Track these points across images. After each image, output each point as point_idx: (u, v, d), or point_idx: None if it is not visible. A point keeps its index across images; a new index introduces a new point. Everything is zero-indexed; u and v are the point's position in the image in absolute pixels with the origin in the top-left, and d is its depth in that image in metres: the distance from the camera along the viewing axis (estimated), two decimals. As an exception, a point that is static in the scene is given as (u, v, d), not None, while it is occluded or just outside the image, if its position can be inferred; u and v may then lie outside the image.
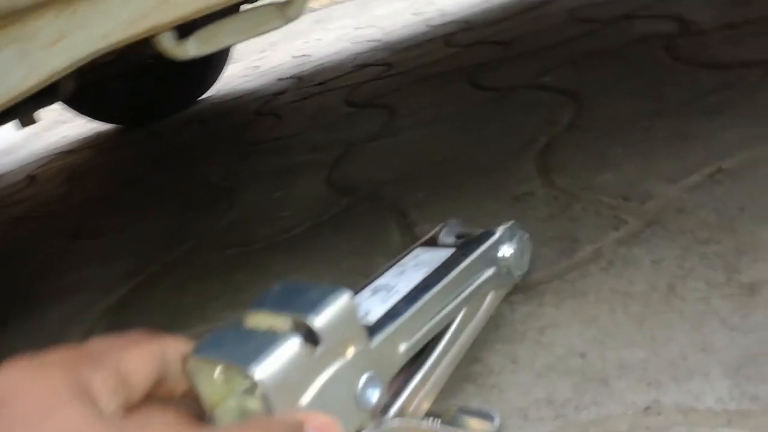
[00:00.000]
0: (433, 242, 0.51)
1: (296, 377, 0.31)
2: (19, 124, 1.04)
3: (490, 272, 0.47)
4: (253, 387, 0.30)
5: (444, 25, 1.92)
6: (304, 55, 2.44)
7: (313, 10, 5.09)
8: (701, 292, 0.45)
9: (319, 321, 0.33)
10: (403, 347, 0.40)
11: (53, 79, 0.39)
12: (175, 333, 0.52)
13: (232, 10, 0.45)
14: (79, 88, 1.14)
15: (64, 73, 0.39)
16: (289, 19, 0.45)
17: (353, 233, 0.75)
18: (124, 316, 0.74)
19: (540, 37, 1.35)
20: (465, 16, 1.96)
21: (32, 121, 1.03)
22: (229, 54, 2.16)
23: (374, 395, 0.35)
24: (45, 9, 0.36)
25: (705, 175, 0.60)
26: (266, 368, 0.29)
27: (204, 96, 2.24)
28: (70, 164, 1.84)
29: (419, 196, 0.79)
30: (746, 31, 0.93)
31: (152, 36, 0.42)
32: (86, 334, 0.72)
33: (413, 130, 1.06)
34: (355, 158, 1.02)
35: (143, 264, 0.86)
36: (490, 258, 0.47)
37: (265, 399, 0.29)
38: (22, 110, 0.82)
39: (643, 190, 0.61)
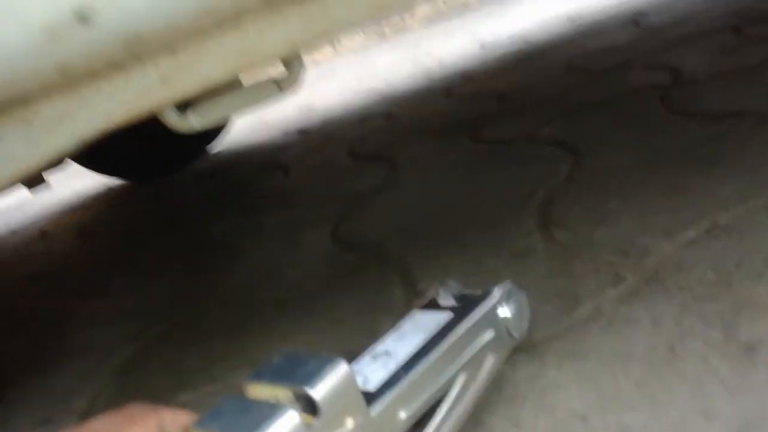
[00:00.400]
0: (431, 304, 0.51)
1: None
2: (27, 187, 1.06)
3: (489, 335, 0.47)
4: None
5: (444, 77, 1.96)
6: (309, 109, 2.48)
7: (317, 63, 5.21)
8: (700, 352, 0.45)
9: (318, 392, 0.33)
10: (403, 414, 0.40)
11: (59, 158, 0.41)
12: (183, 393, 0.52)
13: (232, 84, 0.47)
14: (88, 145, 1.16)
15: (68, 153, 0.41)
16: (286, 91, 0.47)
17: (358, 291, 0.76)
18: (131, 378, 0.74)
19: (537, 88, 1.38)
20: (464, 67, 2.00)
21: (41, 182, 1.05)
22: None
23: None
24: (51, 93, 0.37)
25: (702, 231, 0.60)
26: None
27: (213, 150, 2.27)
28: (81, 220, 1.86)
29: (422, 252, 0.79)
30: (738, 80, 0.95)
31: (156, 112, 0.44)
32: (95, 396, 0.72)
33: (415, 182, 1.07)
34: (360, 212, 1.03)
35: (149, 324, 0.87)
36: (488, 320, 0.48)
37: None
38: (31, 176, 0.84)
39: (641, 245, 0.62)
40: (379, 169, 1.22)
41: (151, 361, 0.76)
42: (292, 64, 0.47)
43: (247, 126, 2.63)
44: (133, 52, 0.32)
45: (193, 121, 0.48)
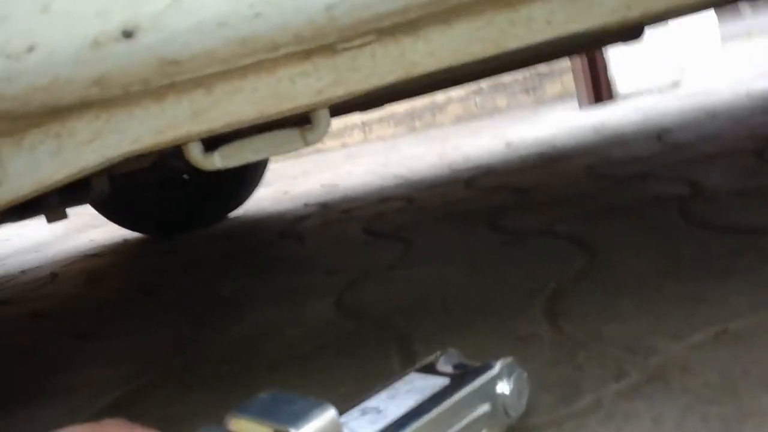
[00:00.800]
0: (429, 369, 0.50)
1: None
2: (46, 218, 1.08)
3: (484, 408, 0.46)
4: None
5: (467, 169, 2.00)
6: (332, 185, 2.53)
7: (346, 146, 5.35)
8: (702, 455, 0.43)
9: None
10: None
11: (82, 175, 0.42)
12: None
13: (257, 129, 0.48)
14: (113, 194, 1.19)
15: (93, 170, 0.42)
16: (309, 143, 0.48)
17: (355, 359, 0.74)
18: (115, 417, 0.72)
19: (557, 188, 1.40)
20: (487, 163, 2.04)
21: (62, 217, 1.07)
22: (261, 176, 2.26)
23: None
24: (86, 110, 0.39)
25: (711, 335, 0.59)
26: None
27: (233, 214, 2.31)
28: (93, 267, 1.88)
29: (425, 328, 0.78)
30: (758, 199, 0.95)
31: (181, 145, 0.45)
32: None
33: (427, 264, 1.07)
34: (368, 285, 1.03)
35: (143, 370, 0.85)
36: (486, 393, 0.46)
37: None
38: (51, 205, 0.86)
39: (648, 344, 0.61)
40: (393, 247, 1.23)
41: (139, 404, 0.75)
42: (319, 117, 0.49)
43: (270, 196, 2.68)
44: (167, 74, 0.34)
45: (217, 161, 0.49)
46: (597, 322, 0.68)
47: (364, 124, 5.30)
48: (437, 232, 1.28)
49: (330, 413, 0.34)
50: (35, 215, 0.96)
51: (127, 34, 0.30)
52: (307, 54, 0.39)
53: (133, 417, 0.71)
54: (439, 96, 4.70)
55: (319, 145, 5.46)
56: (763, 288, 0.66)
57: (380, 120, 5.17)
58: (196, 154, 0.48)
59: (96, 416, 0.74)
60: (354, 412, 0.42)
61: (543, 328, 0.70)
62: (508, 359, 0.48)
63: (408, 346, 0.74)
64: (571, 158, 1.72)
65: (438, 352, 0.51)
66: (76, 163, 0.41)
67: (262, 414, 0.34)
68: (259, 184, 2.28)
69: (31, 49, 0.32)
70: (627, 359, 0.59)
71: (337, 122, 5.18)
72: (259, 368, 0.77)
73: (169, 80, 0.34)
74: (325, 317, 0.91)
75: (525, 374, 0.48)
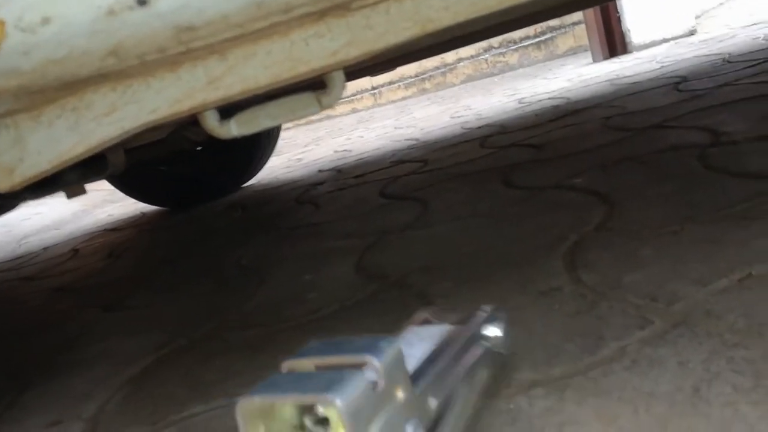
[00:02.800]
0: (426, 322, 0.52)
1: (366, 410, 0.31)
2: (66, 195, 1.09)
3: (481, 350, 0.48)
4: (327, 417, 0.30)
5: (480, 128, 1.98)
6: (345, 150, 2.53)
7: (357, 111, 5.32)
8: (728, 397, 0.44)
9: (381, 360, 0.33)
10: (433, 402, 0.40)
11: (101, 148, 0.42)
12: (195, 404, 0.52)
13: (272, 94, 0.48)
14: (129, 169, 1.20)
15: (112, 143, 0.42)
16: (325, 107, 0.48)
17: (379, 318, 0.75)
18: (144, 386, 0.74)
19: (573, 142, 1.38)
20: (500, 120, 2.02)
21: (81, 192, 1.09)
22: (274, 145, 2.26)
23: None
24: (102, 82, 0.39)
25: (734, 280, 0.59)
26: (346, 395, 0.29)
27: (247, 184, 2.32)
28: (113, 241, 1.90)
29: (446, 285, 0.79)
30: (779, 144, 0.94)
31: (198, 113, 0.46)
32: (106, 401, 0.72)
33: (445, 223, 1.07)
34: (387, 247, 1.03)
35: (169, 338, 0.87)
36: (480, 337, 0.49)
37: (345, 423, 0.29)
38: (70, 181, 0.87)
39: (670, 291, 0.61)
40: (410, 208, 1.23)
41: (167, 371, 0.76)
42: (333, 80, 0.48)
43: (283, 164, 2.68)
44: (183, 41, 0.34)
45: (233, 128, 0.49)
46: (618, 271, 0.68)
47: (374, 88, 5.25)
48: (453, 191, 1.28)
49: (397, 343, 0.35)
50: (55, 191, 0.97)
51: (142, 2, 0.30)
52: (320, 15, 0.39)
53: (165, 383, 0.73)
54: (449, 56, 4.64)
55: (330, 111, 5.43)
56: (786, 232, 0.65)
57: (390, 83, 5.12)
58: (212, 123, 0.48)
59: (123, 387, 0.76)
60: None
61: (564, 280, 0.71)
62: (490, 306, 0.50)
63: (429, 303, 0.75)
64: (586, 112, 1.70)
65: (423, 309, 0.53)
66: (95, 136, 0.41)
67: (326, 353, 0.35)
68: (272, 153, 2.28)
69: (46, 21, 0.32)
70: (650, 307, 0.59)
71: (348, 87, 5.13)
72: (285, 331, 0.79)
73: (184, 47, 0.34)
74: (345, 280, 0.92)
75: (506, 315, 0.52)
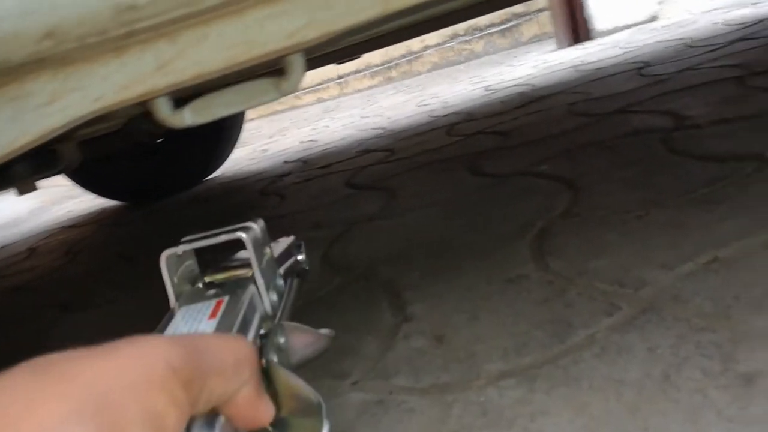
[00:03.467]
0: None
1: (262, 241, 0.43)
2: (18, 190, 1.05)
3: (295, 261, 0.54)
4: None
5: (446, 116, 1.98)
6: (311, 141, 2.50)
7: (323, 100, 5.27)
8: (697, 382, 0.44)
9: (258, 223, 0.45)
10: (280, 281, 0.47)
11: (46, 139, 0.40)
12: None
13: (228, 80, 0.46)
14: (85, 163, 1.15)
15: (57, 133, 0.40)
16: (284, 93, 0.46)
17: (345, 312, 0.74)
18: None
19: (538, 128, 1.38)
20: (467, 108, 2.02)
21: (31, 189, 1.04)
22: (237, 136, 2.22)
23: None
24: (41, 69, 0.36)
25: (700, 264, 0.59)
26: (250, 230, 0.41)
27: (211, 176, 2.27)
28: (71, 238, 1.85)
29: (413, 276, 0.78)
30: (740, 126, 0.95)
31: (148, 101, 0.43)
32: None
33: (412, 212, 1.06)
34: (353, 237, 1.02)
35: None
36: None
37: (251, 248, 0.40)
38: (20, 176, 0.83)
39: (637, 276, 0.61)
40: (377, 198, 1.21)
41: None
42: (292, 64, 0.46)
43: (248, 156, 2.64)
44: (125, 21, 0.32)
45: (187, 117, 0.47)
46: (584, 257, 0.68)
47: (340, 77, 5.20)
48: (419, 180, 1.27)
49: (262, 221, 0.45)
50: (5, 188, 0.93)
51: (75, -22, 0.28)
52: (274, -7, 0.37)
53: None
54: (415, 44, 4.62)
55: (295, 101, 5.37)
56: (749, 215, 0.66)
57: (356, 72, 5.08)
58: (164, 111, 0.45)
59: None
60: None
61: (531, 268, 0.70)
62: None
63: (397, 295, 0.74)
64: (551, 98, 1.70)
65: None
66: (39, 126, 0.39)
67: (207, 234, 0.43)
68: (236, 144, 2.24)
69: (-29, 2, 0.29)
70: (617, 293, 0.59)
71: (313, 76, 5.08)
72: (249, 327, 0.77)
73: (128, 28, 0.32)
74: (312, 272, 0.90)
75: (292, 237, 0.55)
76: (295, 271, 0.53)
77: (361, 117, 2.84)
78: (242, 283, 0.41)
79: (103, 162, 1.96)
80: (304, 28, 0.38)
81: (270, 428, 0.33)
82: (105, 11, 0.30)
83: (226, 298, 0.39)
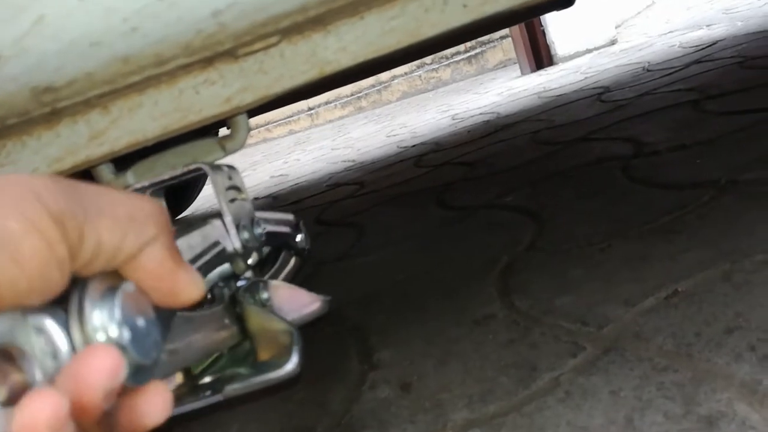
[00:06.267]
0: None
1: (232, 184, 0.41)
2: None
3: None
4: None
5: (415, 146, 1.98)
6: (281, 175, 2.49)
7: (294, 132, 5.27)
8: (660, 426, 0.43)
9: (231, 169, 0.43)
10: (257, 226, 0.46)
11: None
12: None
13: (172, 142, 0.45)
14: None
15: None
16: (229, 151, 0.45)
17: (314, 360, 0.72)
18: None
19: (503, 158, 1.39)
20: (434, 138, 2.03)
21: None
22: (204, 178, 2.20)
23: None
24: (-32, 147, 0.35)
25: (661, 298, 0.59)
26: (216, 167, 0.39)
27: (180, 216, 2.24)
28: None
29: (380, 319, 0.77)
30: (696, 152, 0.96)
31: (88, 168, 0.42)
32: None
33: (380, 249, 1.05)
34: (323, 278, 1.01)
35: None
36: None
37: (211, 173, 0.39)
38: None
39: (601, 313, 0.60)
40: (347, 235, 1.21)
41: None
42: (237, 124, 0.46)
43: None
44: (45, 102, 0.31)
45: (130, 180, 0.46)
46: (549, 294, 0.68)
47: (310, 108, 5.22)
48: (388, 215, 1.26)
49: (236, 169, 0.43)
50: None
51: (-13, 64, 0.27)
52: (208, 61, 0.36)
53: None
54: (384, 74, 4.66)
55: (266, 134, 5.37)
56: (708, 245, 0.66)
57: (327, 103, 5.10)
58: (107, 176, 0.44)
59: None
60: None
61: (497, 307, 0.70)
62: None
63: (364, 340, 0.73)
64: (516, 126, 1.72)
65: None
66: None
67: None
68: (204, 182, 2.22)
69: None
70: (581, 332, 0.59)
71: (284, 109, 5.08)
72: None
73: (49, 108, 0.31)
74: (279, 319, 0.88)
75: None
76: (291, 247, 0.53)
77: (332, 149, 2.84)
78: (205, 220, 0.39)
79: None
80: (240, 93, 0.38)
81: (246, 371, 0.31)
82: (22, 93, 0.29)
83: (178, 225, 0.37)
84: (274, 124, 5.37)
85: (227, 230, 0.38)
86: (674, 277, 0.62)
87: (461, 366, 0.60)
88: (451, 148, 1.74)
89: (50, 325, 0.19)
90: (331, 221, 1.37)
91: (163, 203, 0.37)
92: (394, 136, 2.48)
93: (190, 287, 0.23)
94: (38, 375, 0.19)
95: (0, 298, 0.17)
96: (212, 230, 0.37)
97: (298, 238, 0.55)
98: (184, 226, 0.35)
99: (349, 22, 0.37)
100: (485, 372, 0.58)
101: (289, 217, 0.55)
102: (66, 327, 0.20)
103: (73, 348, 0.20)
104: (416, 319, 0.74)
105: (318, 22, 0.36)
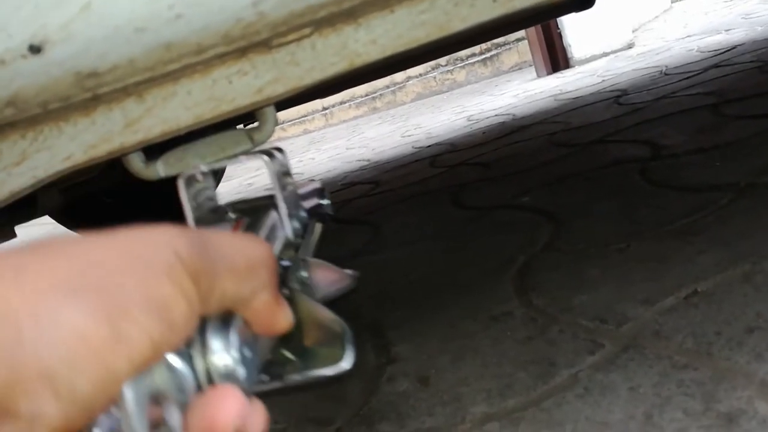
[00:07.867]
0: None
1: (284, 170, 0.40)
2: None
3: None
4: None
5: (430, 147, 1.99)
6: (296, 174, 2.50)
7: (308, 132, 5.29)
8: (679, 422, 0.43)
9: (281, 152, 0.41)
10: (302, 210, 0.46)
11: (13, 199, 0.39)
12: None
13: (201, 132, 0.46)
14: (70, 203, 1.14)
15: (24, 193, 0.39)
16: (257, 143, 0.46)
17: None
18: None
19: (519, 159, 1.39)
20: (449, 138, 2.03)
21: (11, 236, 1.03)
22: (223, 170, 2.22)
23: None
24: (9, 130, 0.36)
25: (681, 298, 0.59)
26: (272, 155, 0.38)
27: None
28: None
29: (397, 315, 0.77)
30: (715, 156, 0.96)
31: (119, 157, 0.43)
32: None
33: (397, 248, 1.06)
34: (337, 276, 1.01)
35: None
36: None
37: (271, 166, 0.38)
38: (-1, 224, 0.82)
39: (619, 312, 0.60)
40: (362, 233, 1.21)
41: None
42: (264, 115, 0.46)
43: (234, 189, 2.63)
44: (88, 87, 0.32)
45: (160, 170, 0.47)
46: (567, 293, 0.68)
47: (325, 108, 5.24)
48: (404, 213, 1.27)
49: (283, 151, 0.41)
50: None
51: (35, 49, 0.27)
52: (242, 52, 0.37)
53: None
54: (398, 75, 4.67)
55: (281, 133, 5.39)
56: (728, 247, 0.66)
57: (341, 103, 5.11)
58: (137, 165, 0.45)
59: None
60: None
61: (514, 304, 0.70)
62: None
63: (381, 335, 0.73)
64: (532, 128, 1.72)
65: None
66: (6, 187, 0.38)
67: None
68: (222, 178, 2.23)
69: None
70: (599, 329, 0.59)
71: (298, 108, 5.11)
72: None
73: (91, 93, 0.32)
74: (296, 313, 0.89)
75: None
76: (318, 214, 0.53)
77: (347, 148, 2.85)
78: (263, 210, 0.40)
79: (86, 201, 1.94)
80: (272, 84, 0.39)
81: (293, 358, 0.32)
82: (66, 79, 0.30)
83: (245, 219, 0.38)
84: (289, 123, 5.39)
85: (281, 221, 0.40)
86: (693, 278, 0.62)
87: (479, 361, 0.61)
88: (466, 148, 1.74)
89: (176, 361, 0.21)
90: (347, 219, 1.38)
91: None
92: (409, 136, 2.48)
93: (285, 321, 0.26)
94: (174, 415, 0.20)
95: (156, 358, 0.19)
96: (272, 221, 0.39)
97: (324, 202, 0.56)
98: (253, 218, 0.37)
99: (380, 15, 0.38)
100: (503, 367, 0.58)
101: (317, 185, 0.56)
102: (188, 359, 0.21)
103: (196, 379, 0.21)
104: (432, 315, 0.74)
105: (350, 14, 0.37)
